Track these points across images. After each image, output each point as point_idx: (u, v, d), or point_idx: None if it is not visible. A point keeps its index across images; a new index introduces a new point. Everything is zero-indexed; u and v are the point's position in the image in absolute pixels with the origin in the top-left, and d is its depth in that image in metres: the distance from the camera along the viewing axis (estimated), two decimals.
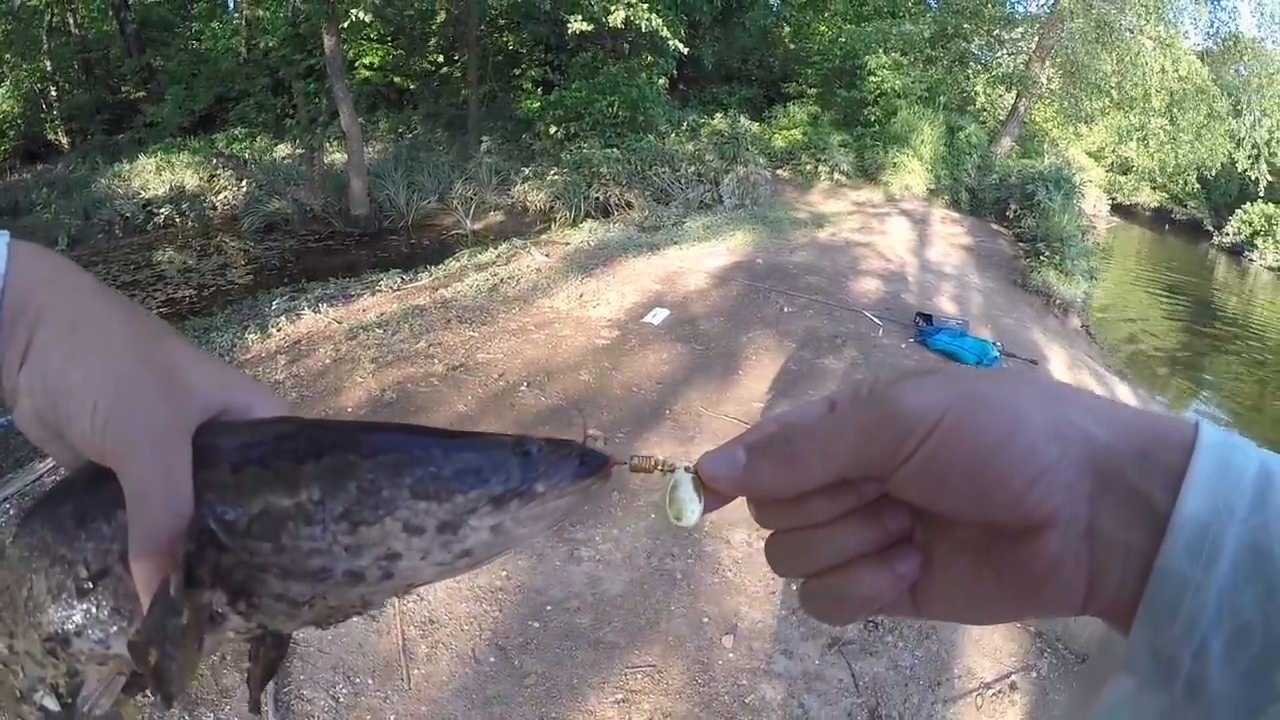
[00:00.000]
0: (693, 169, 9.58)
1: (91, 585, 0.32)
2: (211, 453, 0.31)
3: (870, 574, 0.27)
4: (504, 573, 2.90)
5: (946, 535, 0.27)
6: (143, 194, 10.92)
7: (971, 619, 0.27)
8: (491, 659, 2.54)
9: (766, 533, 0.30)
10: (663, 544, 3.06)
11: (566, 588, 2.84)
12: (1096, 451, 0.23)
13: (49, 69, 14.64)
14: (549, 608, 2.74)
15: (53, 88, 14.72)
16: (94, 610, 0.32)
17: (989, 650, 2.56)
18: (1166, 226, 23.85)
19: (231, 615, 0.30)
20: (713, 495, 0.29)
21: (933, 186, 12.25)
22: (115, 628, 0.32)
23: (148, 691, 0.33)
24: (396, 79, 12.35)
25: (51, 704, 0.35)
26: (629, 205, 9.22)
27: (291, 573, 0.30)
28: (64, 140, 14.59)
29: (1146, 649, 0.22)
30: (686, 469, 0.30)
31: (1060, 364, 6.09)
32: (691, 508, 0.29)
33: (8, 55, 14.19)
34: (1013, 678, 2.44)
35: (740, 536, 3.08)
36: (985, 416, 0.24)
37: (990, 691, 2.39)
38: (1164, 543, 0.22)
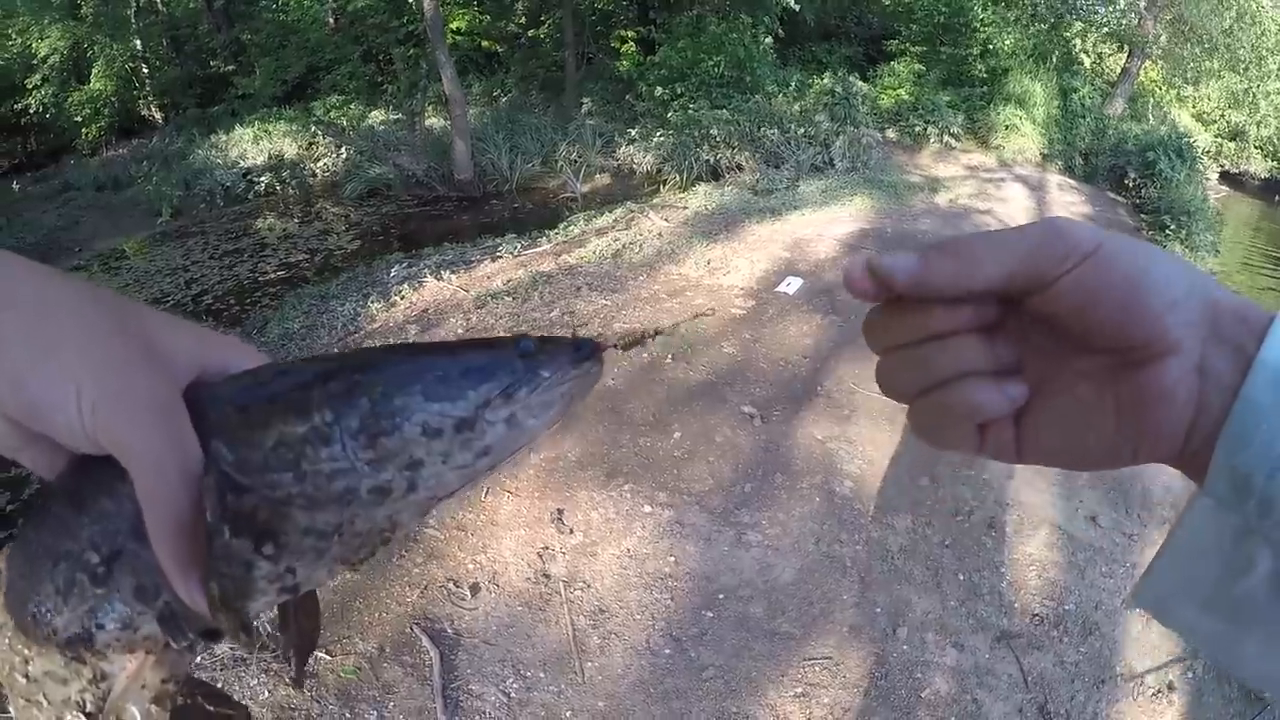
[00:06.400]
0: (802, 131, 9.11)
1: (106, 569, 0.31)
2: (211, 402, 0.30)
3: (980, 386, 0.30)
4: (671, 558, 2.81)
5: (1064, 367, 0.30)
6: (242, 163, 10.96)
7: (1075, 459, 0.30)
8: (667, 651, 2.43)
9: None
10: (830, 529, 2.96)
11: (737, 575, 2.74)
12: (1209, 303, 0.27)
13: (139, 48, 14.91)
14: (721, 596, 2.64)
15: (144, 65, 15.01)
16: (115, 593, 0.31)
17: (1148, 648, 2.54)
18: (1277, 198, 22.01)
19: (259, 561, 0.29)
20: (872, 289, 0.30)
21: (1046, 151, 11.49)
22: (140, 606, 0.31)
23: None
24: (485, 43, 12.11)
25: None
26: (739, 168, 8.82)
27: (317, 500, 0.29)
28: (157, 115, 14.89)
29: (1225, 470, 0.26)
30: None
31: None
32: None
33: (98, 37, 14.50)
34: (1171, 678, 2.43)
35: (904, 524, 2.99)
36: (1133, 252, 0.28)
37: (1150, 691, 2.39)
38: (1249, 376, 0.26)
